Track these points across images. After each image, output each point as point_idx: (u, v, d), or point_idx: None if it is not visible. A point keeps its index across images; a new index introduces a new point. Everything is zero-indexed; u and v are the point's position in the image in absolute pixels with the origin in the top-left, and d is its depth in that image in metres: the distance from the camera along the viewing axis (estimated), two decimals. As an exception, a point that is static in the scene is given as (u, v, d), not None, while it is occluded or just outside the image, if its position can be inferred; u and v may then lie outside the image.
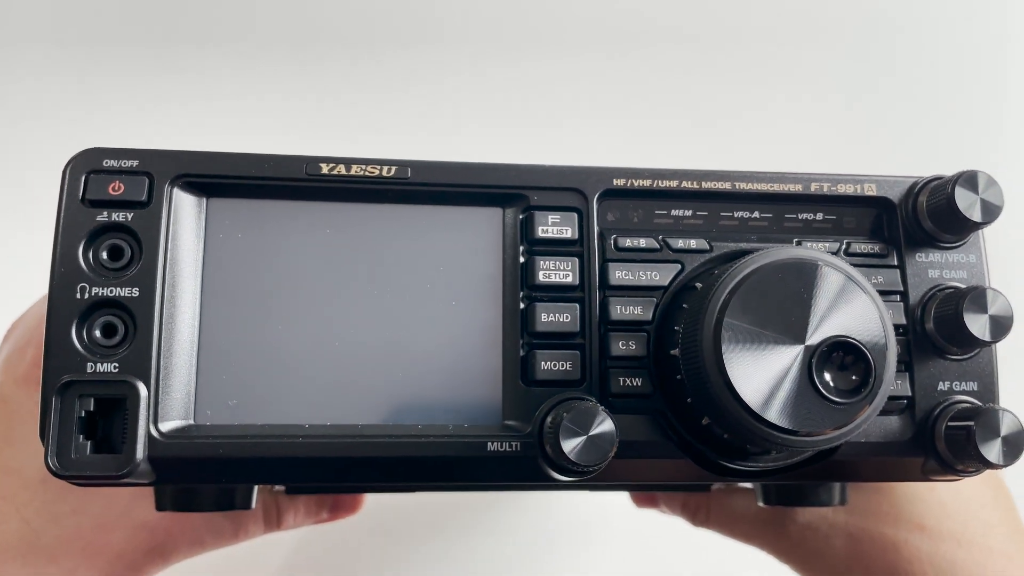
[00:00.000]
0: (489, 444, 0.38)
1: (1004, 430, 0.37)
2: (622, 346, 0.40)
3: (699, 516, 0.61)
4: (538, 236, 0.41)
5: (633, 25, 0.83)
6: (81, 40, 0.81)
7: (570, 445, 0.35)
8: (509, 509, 0.77)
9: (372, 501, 0.63)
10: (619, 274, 0.40)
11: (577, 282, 0.40)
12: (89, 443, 0.37)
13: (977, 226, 0.40)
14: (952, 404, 0.40)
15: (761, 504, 0.53)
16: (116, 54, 0.80)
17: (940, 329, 0.40)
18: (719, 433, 0.38)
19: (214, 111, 0.79)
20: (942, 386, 0.41)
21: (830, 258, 0.36)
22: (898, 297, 0.42)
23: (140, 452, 0.36)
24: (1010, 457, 0.37)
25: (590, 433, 0.36)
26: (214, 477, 0.39)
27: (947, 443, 0.39)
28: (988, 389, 0.41)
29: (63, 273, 0.38)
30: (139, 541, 0.49)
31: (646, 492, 0.64)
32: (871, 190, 0.43)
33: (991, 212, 0.40)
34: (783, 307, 0.35)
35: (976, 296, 0.39)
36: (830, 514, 0.53)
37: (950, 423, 0.39)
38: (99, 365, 0.37)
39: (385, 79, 0.81)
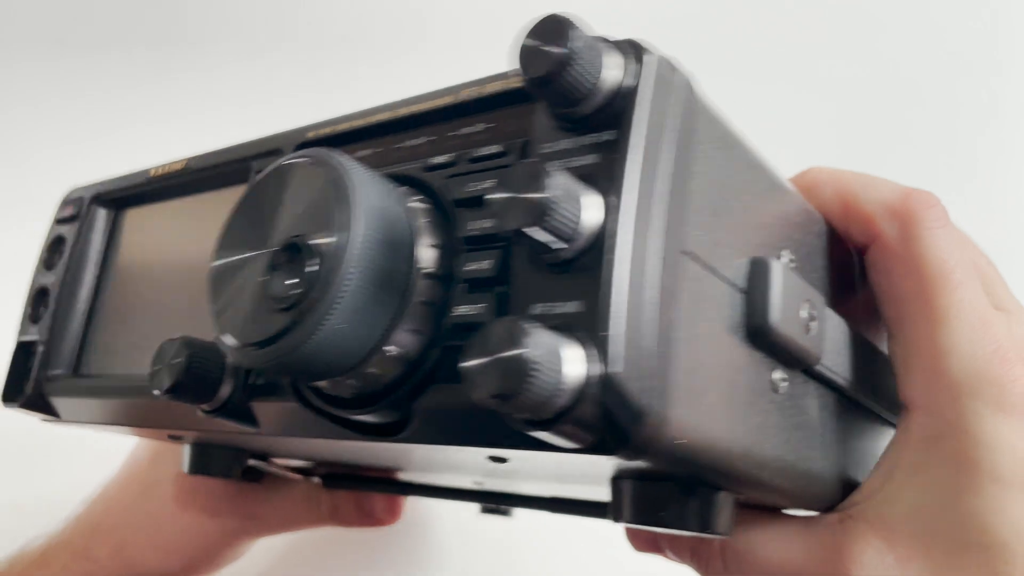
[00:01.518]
0: None
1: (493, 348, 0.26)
2: None
3: (712, 568, 0.47)
4: None
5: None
6: (72, 43, 0.96)
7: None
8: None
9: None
10: None
11: None
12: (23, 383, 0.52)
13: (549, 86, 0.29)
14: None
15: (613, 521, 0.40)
16: (111, 58, 0.93)
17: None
18: None
19: (199, 115, 0.89)
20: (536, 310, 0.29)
21: (304, 156, 0.32)
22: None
23: (30, 388, 0.51)
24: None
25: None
26: (80, 416, 0.50)
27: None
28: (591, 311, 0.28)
29: (35, 271, 0.55)
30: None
31: (646, 534, 0.51)
32: (516, 83, 0.34)
33: (538, 61, 0.28)
34: (255, 223, 0.32)
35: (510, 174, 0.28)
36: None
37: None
38: (32, 331, 0.53)
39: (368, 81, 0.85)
